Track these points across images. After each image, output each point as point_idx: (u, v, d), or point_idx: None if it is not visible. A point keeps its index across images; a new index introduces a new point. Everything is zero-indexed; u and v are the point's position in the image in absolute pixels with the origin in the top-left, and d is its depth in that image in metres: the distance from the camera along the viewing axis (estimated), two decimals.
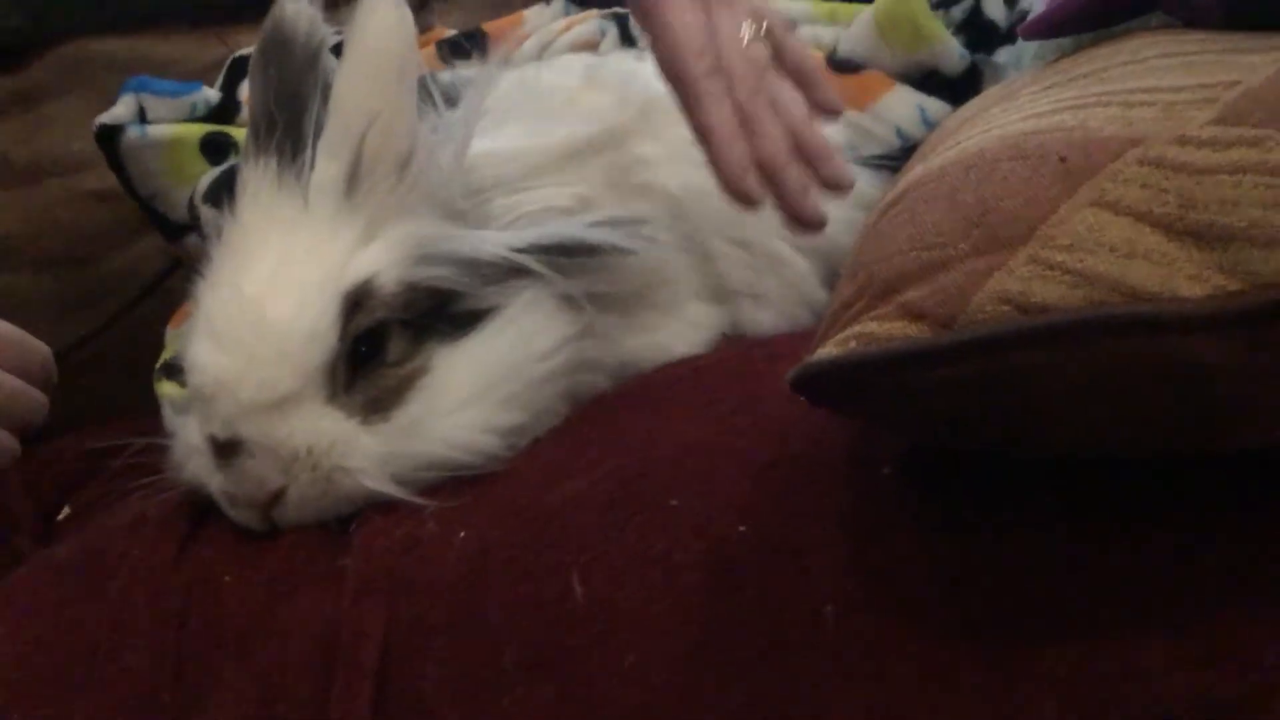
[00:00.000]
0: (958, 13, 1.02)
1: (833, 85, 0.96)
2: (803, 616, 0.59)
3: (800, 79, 0.80)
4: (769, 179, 0.75)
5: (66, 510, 0.92)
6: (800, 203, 0.75)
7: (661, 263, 0.82)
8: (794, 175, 0.75)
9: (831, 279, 0.91)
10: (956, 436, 0.58)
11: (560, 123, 0.81)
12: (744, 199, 0.73)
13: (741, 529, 0.62)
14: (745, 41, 0.78)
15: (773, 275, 0.89)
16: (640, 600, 0.61)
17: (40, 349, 0.82)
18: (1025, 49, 0.96)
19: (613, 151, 0.85)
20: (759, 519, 0.62)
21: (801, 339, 0.67)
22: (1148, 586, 0.56)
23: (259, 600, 0.68)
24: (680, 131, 0.87)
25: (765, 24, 0.80)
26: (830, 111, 0.81)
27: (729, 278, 0.87)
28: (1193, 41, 0.62)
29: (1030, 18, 0.76)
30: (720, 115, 0.73)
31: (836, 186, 0.78)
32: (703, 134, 0.74)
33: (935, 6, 0.98)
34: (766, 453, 0.65)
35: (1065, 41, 0.77)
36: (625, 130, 0.86)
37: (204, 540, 0.74)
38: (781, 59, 0.80)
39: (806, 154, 0.77)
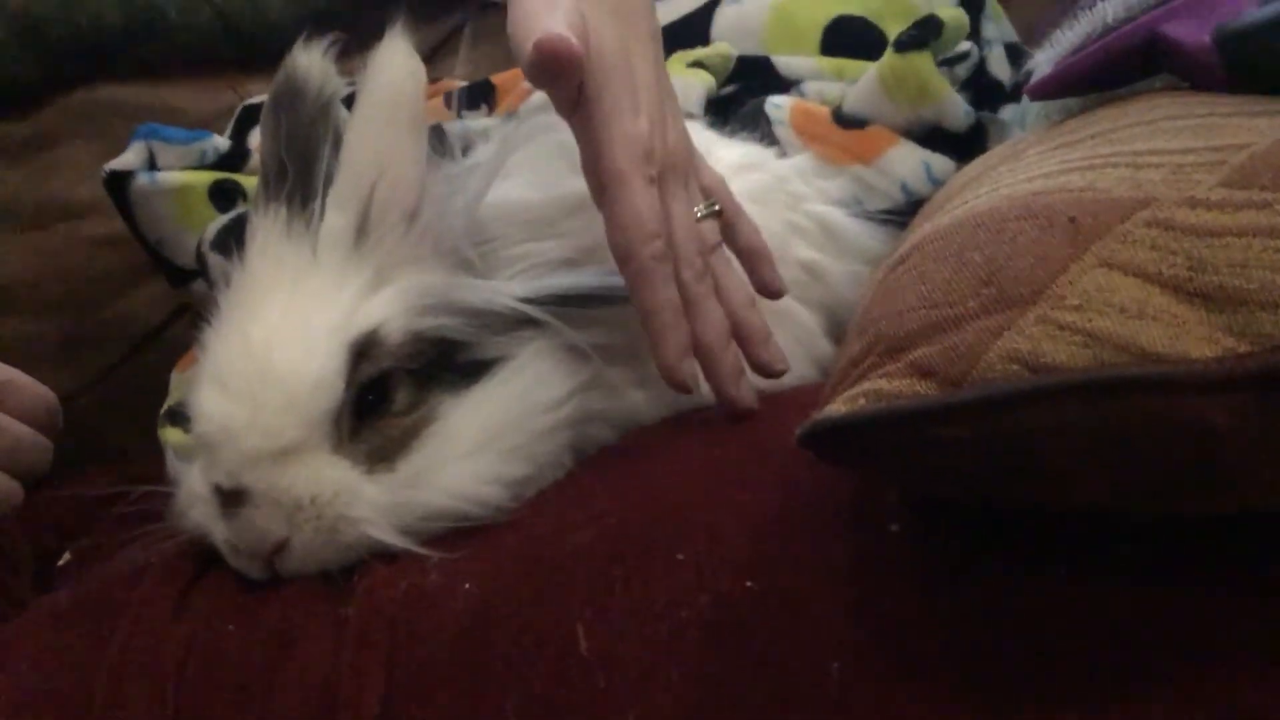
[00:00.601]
0: (962, 70, 1.03)
1: (839, 140, 0.98)
2: (808, 672, 0.59)
3: (749, 256, 0.83)
4: (704, 362, 0.78)
5: (67, 556, 0.91)
6: (733, 389, 0.78)
7: None
8: (729, 361, 0.78)
9: (836, 332, 0.92)
10: (965, 493, 0.58)
11: (569, 174, 0.82)
12: (679, 386, 0.76)
13: (747, 583, 0.62)
14: (698, 217, 0.80)
15: (778, 328, 0.89)
16: (644, 654, 0.61)
17: (46, 395, 0.82)
18: (1029, 107, 0.97)
19: None
20: (765, 573, 0.62)
21: (807, 393, 0.67)
22: (1156, 645, 0.56)
23: (261, 650, 0.67)
24: None
25: (717, 204, 0.82)
26: (774, 293, 0.84)
27: None
28: (1199, 104, 0.63)
29: (1037, 78, 0.76)
30: (664, 298, 0.75)
31: (768, 372, 0.80)
32: (646, 315, 0.75)
33: (940, 64, 0.99)
34: (772, 507, 0.65)
35: (1071, 102, 0.78)
36: None
37: (206, 589, 0.74)
38: (732, 236, 0.83)
39: (744, 336, 0.80)
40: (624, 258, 0.75)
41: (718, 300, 0.79)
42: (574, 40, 0.71)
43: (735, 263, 0.84)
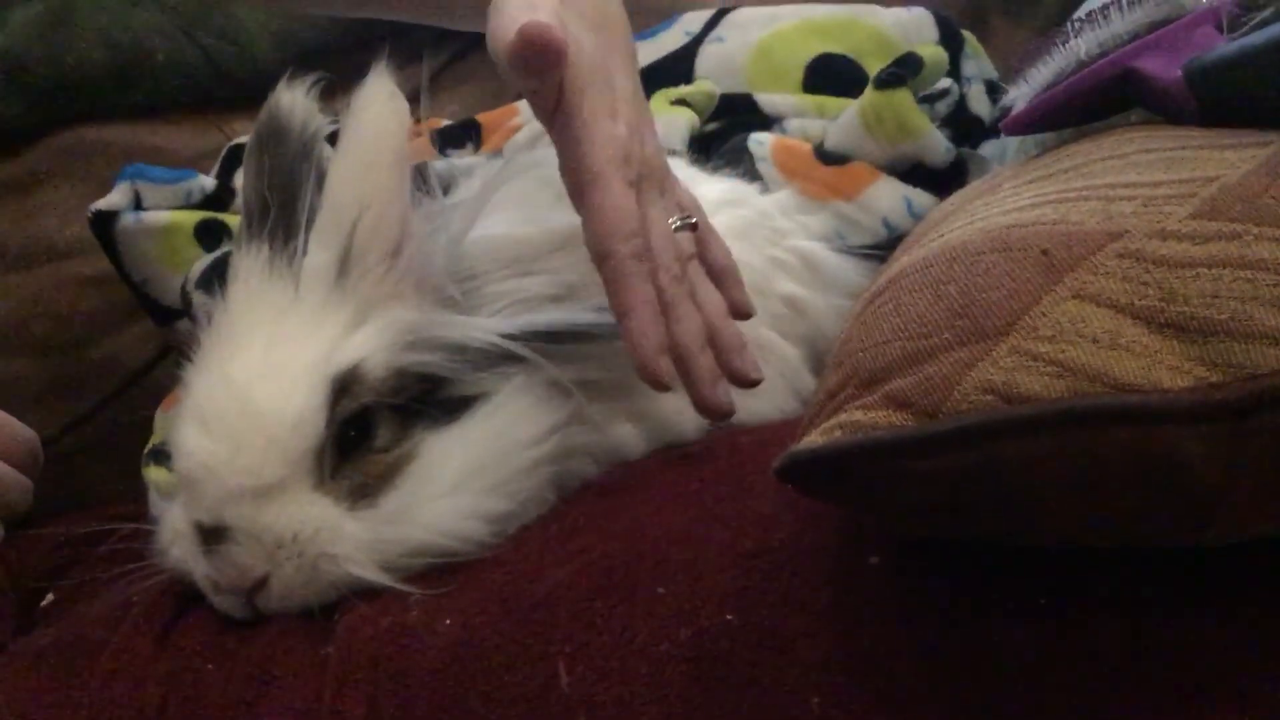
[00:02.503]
0: (943, 107, 1.04)
1: (820, 176, 0.99)
2: (789, 707, 0.58)
3: (720, 276, 0.83)
4: (681, 364, 0.77)
5: (50, 597, 0.91)
6: (710, 391, 0.78)
7: None
8: (706, 363, 0.78)
9: (819, 366, 0.92)
10: (942, 526, 0.58)
11: (552, 210, 0.82)
12: (655, 381, 0.75)
13: (728, 618, 0.62)
14: (674, 227, 0.80)
15: (761, 363, 0.89)
16: (625, 690, 0.61)
17: (27, 434, 0.82)
18: (1009, 142, 0.98)
19: None
20: (745, 608, 0.62)
21: (789, 427, 0.67)
22: (1139, 677, 0.56)
23: (241, 689, 0.67)
24: None
25: (693, 219, 0.82)
26: (743, 314, 0.83)
27: None
28: (1171, 137, 0.63)
29: (1013, 113, 0.77)
30: (642, 296, 0.75)
31: (742, 380, 0.80)
32: (622, 313, 0.75)
33: (920, 101, 1.00)
34: (753, 541, 0.65)
35: (1047, 136, 0.78)
36: None
37: (187, 628, 0.73)
38: (704, 254, 0.83)
39: (719, 345, 0.79)
40: (602, 255, 0.75)
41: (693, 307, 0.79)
42: (557, 28, 0.71)
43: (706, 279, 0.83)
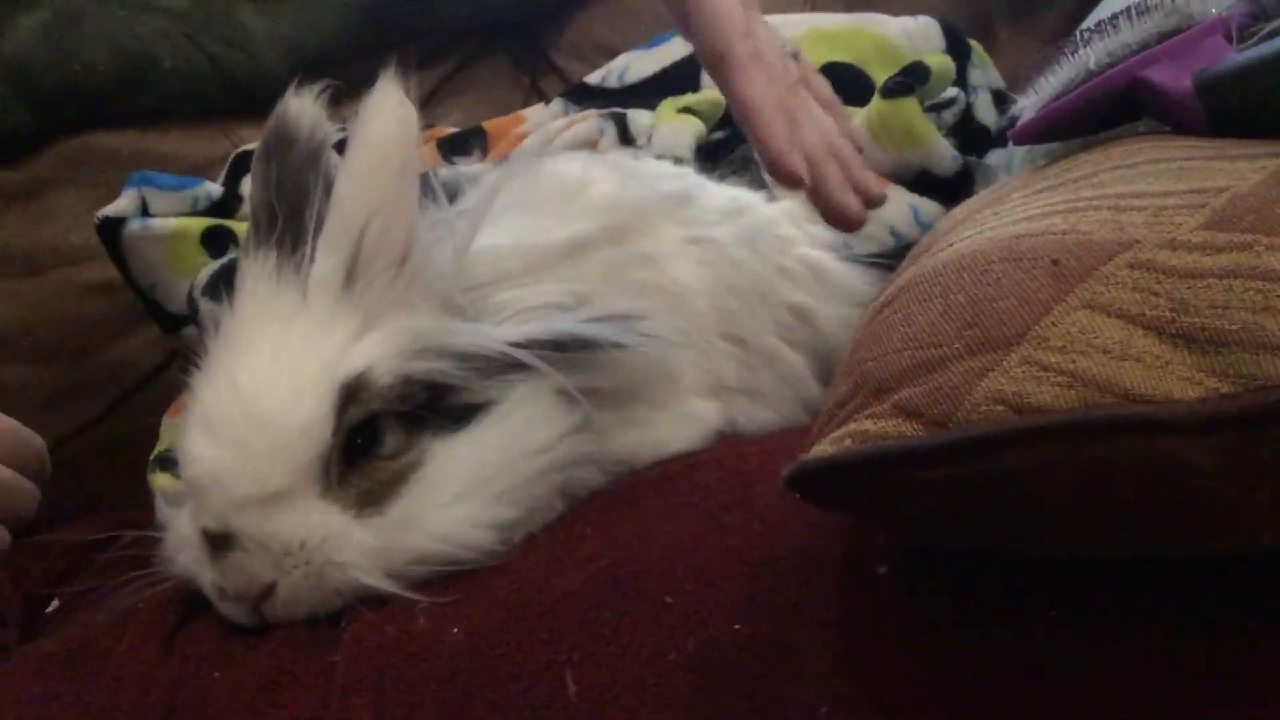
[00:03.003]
0: (949, 116, 1.04)
1: None
2: (797, 717, 0.58)
3: (827, 105, 0.81)
4: (812, 168, 0.74)
5: (56, 603, 0.91)
6: (842, 196, 0.75)
7: (658, 359, 0.82)
8: (834, 170, 0.75)
9: (826, 375, 0.92)
10: (951, 535, 0.58)
11: (560, 218, 0.82)
12: (790, 177, 0.72)
13: (736, 627, 0.62)
14: (784, 52, 0.79)
15: (768, 371, 0.90)
16: (633, 699, 0.61)
17: (34, 440, 0.82)
18: (1015, 152, 0.98)
19: (611, 248, 0.86)
20: (753, 617, 0.62)
21: (796, 436, 0.67)
22: (1149, 689, 0.56)
23: (247, 697, 0.67)
24: (677, 230, 0.88)
25: (797, 51, 0.81)
26: (853, 136, 0.81)
27: (725, 374, 0.87)
28: (1181, 147, 0.63)
29: (1021, 123, 0.77)
30: (766, 91, 0.73)
31: (870, 195, 0.78)
32: (749, 107, 0.73)
33: (927, 110, 1.00)
34: (761, 550, 0.65)
35: (1055, 146, 0.78)
36: (624, 227, 0.87)
37: (193, 635, 0.73)
38: (809, 82, 0.81)
39: (843, 159, 0.77)
40: (717, 55, 0.73)
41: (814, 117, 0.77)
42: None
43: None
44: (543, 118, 1.16)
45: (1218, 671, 0.55)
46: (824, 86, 0.82)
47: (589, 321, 0.78)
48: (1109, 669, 0.56)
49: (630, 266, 0.86)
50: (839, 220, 0.76)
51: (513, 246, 0.81)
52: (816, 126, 0.76)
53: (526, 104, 1.27)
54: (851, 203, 0.75)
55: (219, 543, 0.72)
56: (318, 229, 0.76)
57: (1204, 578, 0.56)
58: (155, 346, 1.14)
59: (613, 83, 1.21)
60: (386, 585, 0.71)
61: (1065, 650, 0.57)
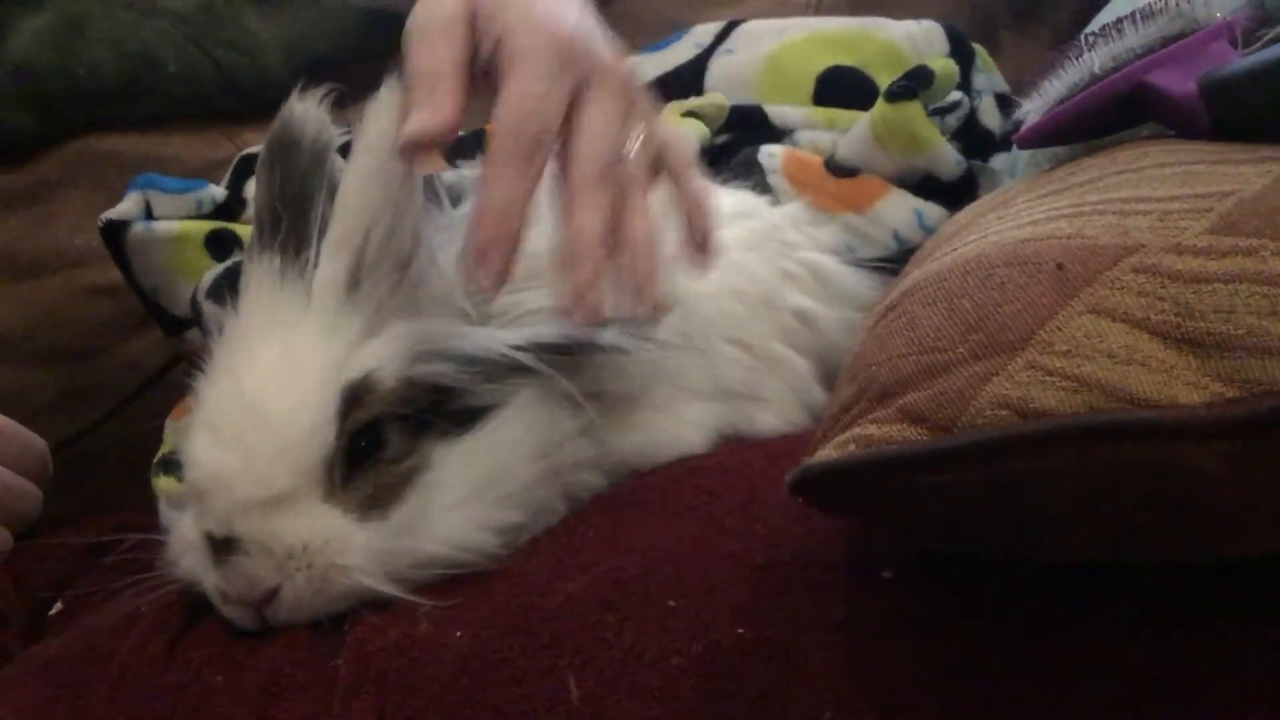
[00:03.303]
0: (953, 120, 1.04)
1: (831, 188, 0.99)
2: None
3: (692, 206, 0.77)
4: (567, 255, 0.71)
5: (58, 606, 0.91)
6: (572, 291, 0.71)
7: (661, 362, 0.82)
8: (590, 264, 0.71)
9: (829, 379, 0.92)
10: (956, 540, 0.57)
11: None
12: (470, 270, 0.70)
13: (739, 631, 0.61)
14: (628, 141, 0.75)
15: (771, 376, 0.89)
16: (636, 703, 0.60)
17: (37, 443, 0.82)
18: (1020, 156, 0.98)
19: None
20: (757, 622, 0.62)
21: (800, 440, 0.67)
22: (1155, 695, 0.55)
23: (249, 702, 0.67)
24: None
25: (665, 154, 0.77)
26: (704, 247, 0.78)
27: (728, 378, 0.87)
28: (1186, 151, 0.63)
29: (1025, 127, 0.77)
30: (504, 178, 0.69)
31: (638, 293, 0.73)
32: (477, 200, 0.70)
33: (931, 113, 1.00)
34: (765, 555, 0.65)
35: (1059, 150, 0.78)
36: None
37: (195, 639, 0.73)
38: (679, 186, 0.78)
39: (625, 261, 0.74)
40: (490, 138, 0.69)
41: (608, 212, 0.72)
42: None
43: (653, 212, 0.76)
44: None
45: (1224, 674, 0.55)
46: (696, 184, 0.78)
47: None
48: (1115, 673, 0.56)
49: None
50: (563, 310, 0.72)
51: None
52: (596, 214, 0.72)
53: None
54: (589, 304, 0.70)
55: (222, 546, 0.72)
56: (322, 232, 0.76)
57: (1210, 582, 0.56)
58: (159, 349, 1.13)
59: None
60: (389, 589, 0.71)
61: (1070, 654, 0.57)
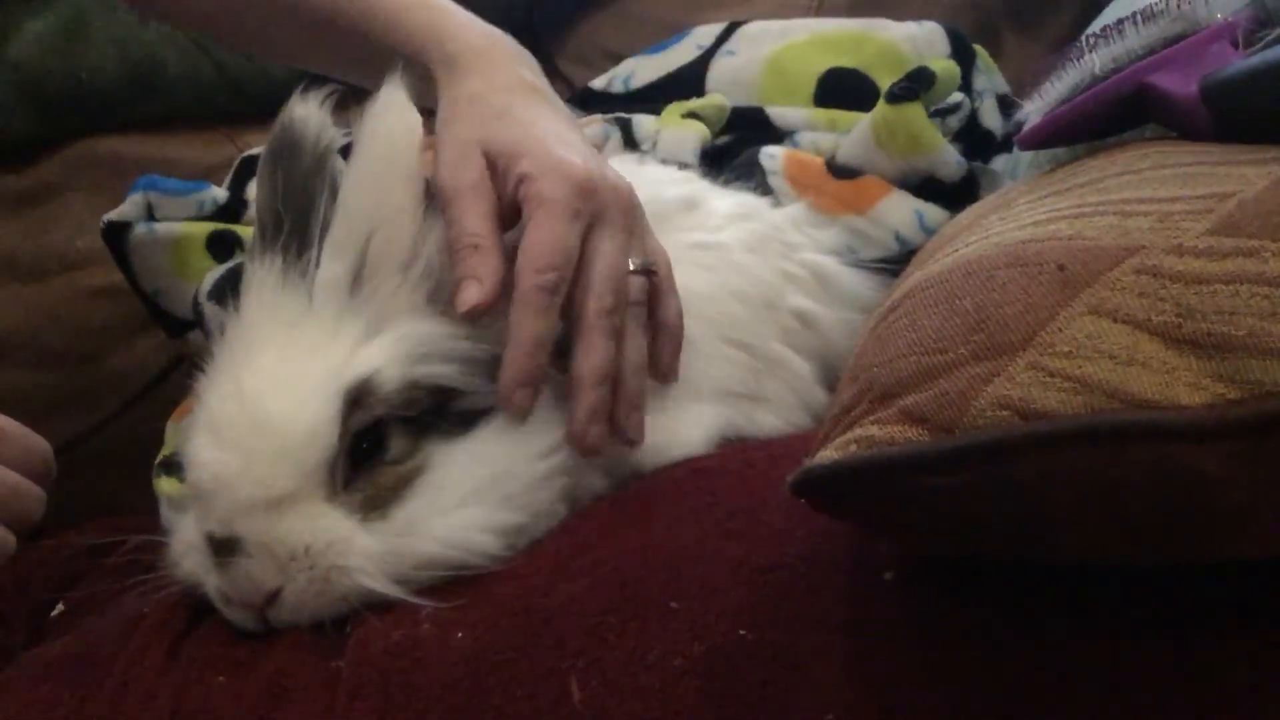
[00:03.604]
0: (954, 121, 1.04)
1: (832, 190, 0.99)
2: None
3: (660, 329, 0.82)
4: (574, 386, 0.77)
5: (60, 607, 0.91)
6: (581, 427, 0.77)
7: None
8: (595, 397, 0.77)
9: (830, 380, 0.92)
10: (957, 542, 0.57)
11: None
12: (508, 408, 0.76)
13: (741, 633, 0.62)
14: (630, 269, 0.80)
15: (773, 377, 0.89)
16: (638, 705, 0.61)
17: (40, 445, 0.82)
18: (1021, 157, 0.98)
19: None
20: (759, 624, 0.62)
21: (801, 442, 0.67)
22: (1157, 698, 0.55)
23: (251, 703, 0.67)
24: (681, 236, 0.88)
25: (654, 268, 0.82)
26: (664, 375, 0.83)
27: (730, 379, 0.87)
28: (1187, 153, 0.63)
29: (1026, 128, 0.77)
30: (531, 330, 0.75)
31: (621, 436, 0.79)
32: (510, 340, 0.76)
33: (932, 115, 1.00)
34: (766, 557, 0.65)
35: (1060, 151, 0.78)
36: None
37: (198, 640, 0.73)
38: (655, 307, 0.82)
39: (619, 394, 0.79)
40: (515, 282, 0.75)
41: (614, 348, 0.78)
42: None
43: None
44: None
45: (1225, 675, 0.55)
46: (670, 309, 0.83)
47: None
48: (1117, 676, 0.56)
49: None
50: (571, 442, 0.77)
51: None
52: (602, 352, 0.77)
53: None
54: (590, 435, 0.77)
55: (224, 548, 0.72)
56: (323, 234, 0.76)
57: (1212, 584, 0.56)
58: (161, 351, 1.14)
59: (618, 88, 1.21)
60: (391, 590, 0.71)
61: (1072, 657, 0.57)
